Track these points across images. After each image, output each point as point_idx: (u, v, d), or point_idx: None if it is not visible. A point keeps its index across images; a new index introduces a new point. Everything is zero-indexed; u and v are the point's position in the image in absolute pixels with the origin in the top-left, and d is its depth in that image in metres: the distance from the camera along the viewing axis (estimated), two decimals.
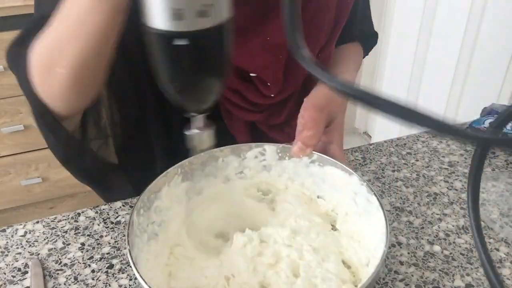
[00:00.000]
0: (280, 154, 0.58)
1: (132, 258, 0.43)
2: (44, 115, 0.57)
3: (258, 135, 0.72)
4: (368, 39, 0.84)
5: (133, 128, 0.70)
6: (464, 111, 1.76)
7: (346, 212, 0.56)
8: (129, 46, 0.57)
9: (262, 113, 0.69)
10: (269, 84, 0.65)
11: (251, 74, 0.63)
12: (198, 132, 0.46)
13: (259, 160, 0.59)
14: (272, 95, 0.66)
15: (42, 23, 0.52)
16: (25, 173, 1.78)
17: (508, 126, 0.75)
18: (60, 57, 0.50)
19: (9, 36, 1.62)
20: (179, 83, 0.40)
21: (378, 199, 0.49)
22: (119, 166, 0.69)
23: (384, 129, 2.24)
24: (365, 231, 0.52)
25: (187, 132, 0.46)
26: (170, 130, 0.69)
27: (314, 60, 0.28)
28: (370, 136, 2.34)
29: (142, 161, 0.71)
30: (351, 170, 0.53)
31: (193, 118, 0.45)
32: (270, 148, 0.57)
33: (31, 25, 0.57)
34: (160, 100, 0.67)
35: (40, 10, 0.59)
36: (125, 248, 0.59)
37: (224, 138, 0.59)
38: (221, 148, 0.57)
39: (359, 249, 0.52)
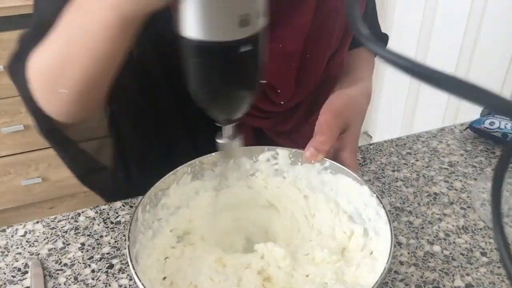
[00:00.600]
0: (292, 159, 0.57)
1: (130, 254, 0.43)
2: (52, 132, 0.57)
3: (265, 142, 0.71)
4: (379, 40, 0.84)
5: (151, 141, 0.70)
6: (464, 111, 1.76)
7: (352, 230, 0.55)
8: (147, 58, 0.57)
9: (270, 119, 0.68)
10: (279, 91, 0.64)
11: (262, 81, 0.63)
12: (228, 142, 0.46)
13: (271, 164, 0.58)
14: (282, 103, 0.65)
15: (40, 35, 0.50)
16: (25, 173, 1.78)
17: (508, 126, 0.75)
18: (62, 78, 0.49)
19: (9, 36, 1.63)
20: (224, 91, 0.40)
21: (386, 213, 0.48)
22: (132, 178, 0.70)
23: (385, 129, 2.24)
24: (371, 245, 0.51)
25: (218, 140, 0.46)
26: (195, 144, 0.69)
27: (372, 36, 0.27)
28: (371, 136, 2.34)
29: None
30: (362, 180, 0.52)
31: (224, 127, 0.45)
32: (282, 152, 0.57)
33: (30, 37, 0.55)
34: (182, 112, 0.67)
35: (38, 16, 0.57)
36: (125, 248, 0.59)
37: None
38: None
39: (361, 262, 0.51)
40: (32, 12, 0.59)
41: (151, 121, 0.68)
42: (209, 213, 0.56)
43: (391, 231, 0.46)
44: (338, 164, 0.54)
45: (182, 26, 0.35)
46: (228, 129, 0.45)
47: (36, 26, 0.56)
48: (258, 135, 0.70)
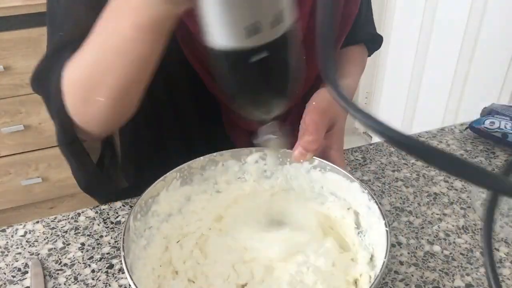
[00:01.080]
0: (281, 159, 0.57)
1: (126, 265, 0.43)
2: (72, 144, 0.57)
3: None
4: (372, 41, 0.83)
5: (150, 148, 0.71)
6: (464, 111, 1.76)
7: (347, 222, 0.55)
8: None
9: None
10: None
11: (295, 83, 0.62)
12: (272, 138, 0.46)
13: (259, 165, 0.58)
14: None
15: (67, 46, 0.51)
16: (25, 173, 1.78)
17: (508, 126, 0.75)
18: (98, 86, 0.49)
19: (9, 36, 1.63)
20: (255, 94, 0.39)
21: (379, 208, 0.48)
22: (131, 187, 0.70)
23: None
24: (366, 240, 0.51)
25: (255, 141, 0.46)
26: (190, 149, 0.69)
27: (347, 98, 0.27)
28: (371, 136, 2.34)
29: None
30: (352, 177, 0.52)
31: (266, 125, 0.45)
32: (271, 153, 0.57)
33: (55, 51, 0.56)
34: (180, 119, 0.67)
35: (59, 31, 0.58)
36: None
37: (224, 146, 0.59)
38: (221, 152, 0.57)
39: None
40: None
41: (149, 126, 0.68)
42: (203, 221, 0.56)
43: (385, 225, 0.46)
44: (326, 162, 0.55)
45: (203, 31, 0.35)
46: (271, 126, 0.45)
47: (60, 43, 0.56)
48: (251, 138, 0.71)
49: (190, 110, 0.69)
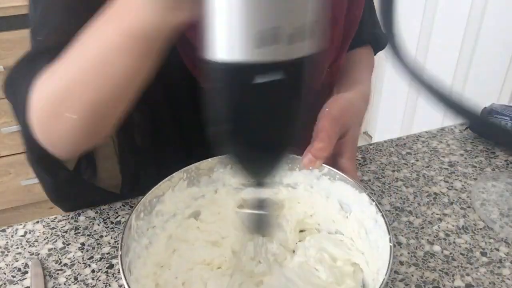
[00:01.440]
0: (290, 165, 0.56)
1: (122, 264, 0.42)
2: (42, 159, 0.53)
3: None
4: (378, 41, 0.82)
5: (147, 151, 0.70)
6: None
7: (351, 236, 0.54)
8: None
9: None
10: None
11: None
12: (254, 212, 0.36)
13: None
14: None
15: (44, 53, 0.47)
16: (25, 173, 1.78)
17: (508, 126, 0.75)
18: (71, 100, 0.44)
19: (9, 36, 1.63)
20: (253, 134, 0.30)
21: (386, 222, 0.47)
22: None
23: (385, 129, 2.24)
24: (369, 254, 0.51)
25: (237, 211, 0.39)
26: (189, 152, 0.69)
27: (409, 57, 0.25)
28: (371, 136, 2.34)
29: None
30: (361, 187, 0.51)
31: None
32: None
33: (30, 56, 0.51)
34: (178, 122, 0.66)
35: (37, 35, 0.53)
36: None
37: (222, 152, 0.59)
38: None
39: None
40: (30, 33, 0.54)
41: (146, 129, 0.68)
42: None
43: (390, 240, 0.45)
44: (336, 171, 0.53)
45: (218, 47, 0.28)
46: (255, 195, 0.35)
47: (38, 47, 0.52)
48: None
49: (188, 113, 0.69)
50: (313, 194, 0.56)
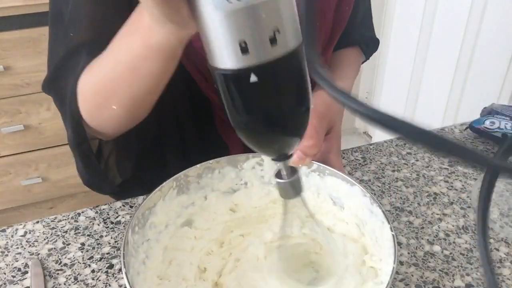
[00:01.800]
0: (278, 164, 0.56)
1: (129, 281, 0.42)
2: (81, 145, 0.58)
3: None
4: (368, 44, 0.83)
5: (148, 145, 0.71)
6: (464, 111, 1.76)
7: (348, 228, 0.54)
8: None
9: None
10: None
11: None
12: (280, 182, 0.41)
13: (256, 171, 0.58)
14: None
15: (82, 48, 0.53)
16: (25, 173, 1.78)
17: (508, 126, 0.75)
18: (112, 96, 0.51)
19: (9, 36, 1.62)
20: (256, 124, 0.35)
21: (383, 211, 0.47)
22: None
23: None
24: (372, 245, 0.51)
25: (277, 179, 0.42)
26: (184, 149, 0.70)
27: (330, 79, 0.27)
28: (371, 136, 2.34)
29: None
30: (352, 181, 0.51)
31: (277, 165, 0.40)
32: (268, 158, 0.56)
33: (69, 53, 0.57)
34: (179, 117, 0.68)
35: (69, 31, 0.58)
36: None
37: (218, 149, 0.59)
38: (218, 159, 0.56)
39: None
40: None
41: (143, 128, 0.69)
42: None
43: (391, 229, 0.45)
44: (325, 166, 0.54)
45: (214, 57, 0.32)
46: (280, 168, 0.40)
47: (75, 43, 0.57)
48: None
49: (184, 112, 0.70)
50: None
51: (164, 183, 0.53)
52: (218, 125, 0.69)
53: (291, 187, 0.41)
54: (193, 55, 0.59)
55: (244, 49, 0.30)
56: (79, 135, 0.57)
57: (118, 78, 0.50)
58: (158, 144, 0.71)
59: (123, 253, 0.44)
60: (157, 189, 0.52)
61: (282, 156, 0.39)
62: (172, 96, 0.65)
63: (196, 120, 0.70)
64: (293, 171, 0.41)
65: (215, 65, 0.32)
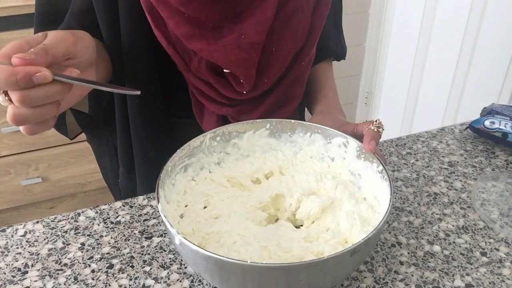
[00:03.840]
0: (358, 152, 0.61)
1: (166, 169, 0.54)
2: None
3: None
4: (341, 51, 0.87)
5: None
6: (464, 111, 1.76)
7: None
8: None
9: (234, 107, 0.69)
10: (242, 80, 0.65)
11: (225, 70, 0.64)
12: None
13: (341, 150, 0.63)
14: (245, 92, 0.67)
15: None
16: (25, 173, 1.78)
17: (508, 126, 0.75)
18: None
19: (10, 36, 1.62)
20: None
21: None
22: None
23: (385, 129, 2.24)
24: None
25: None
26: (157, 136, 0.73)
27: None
28: None
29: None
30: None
31: None
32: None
33: None
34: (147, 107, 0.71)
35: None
36: (124, 248, 0.59)
37: (192, 132, 0.61)
38: (316, 125, 0.62)
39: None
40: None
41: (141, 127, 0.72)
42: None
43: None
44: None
45: None
46: None
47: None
48: (221, 124, 0.72)
49: (158, 97, 0.72)
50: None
51: (258, 120, 0.62)
52: (195, 111, 0.71)
53: None
54: (174, 39, 0.63)
55: None
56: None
57: None
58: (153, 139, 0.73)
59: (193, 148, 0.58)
60: (249, 121, 0.62)
61: None
62: (147, 83, 0.68)
63: (169, 106, 0.73)
64: None
65: None
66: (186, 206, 0.57)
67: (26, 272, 0.56)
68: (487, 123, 0.77)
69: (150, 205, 0.66)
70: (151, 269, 0.56)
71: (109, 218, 0.64)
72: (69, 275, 0.55)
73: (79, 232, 0.61)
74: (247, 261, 0.41)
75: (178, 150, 0.56)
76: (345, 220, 0.53)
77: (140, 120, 0.70)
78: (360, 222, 0.52)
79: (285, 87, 0.70)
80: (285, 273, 0.42)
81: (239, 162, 0.63)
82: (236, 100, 0.68)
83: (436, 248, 0.59)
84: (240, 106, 0.69)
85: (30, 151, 1.75)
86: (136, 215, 0.64)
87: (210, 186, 0.60)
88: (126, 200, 0.67)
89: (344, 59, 0.87)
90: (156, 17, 0.62)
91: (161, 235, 0.61)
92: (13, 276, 0.55)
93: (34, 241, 0.60)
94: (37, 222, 0.63)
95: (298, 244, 0.51)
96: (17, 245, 0.60)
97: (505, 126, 0.75)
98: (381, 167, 0.55)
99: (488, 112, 0.79)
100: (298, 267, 0.42)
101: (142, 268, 0.56)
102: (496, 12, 1.55)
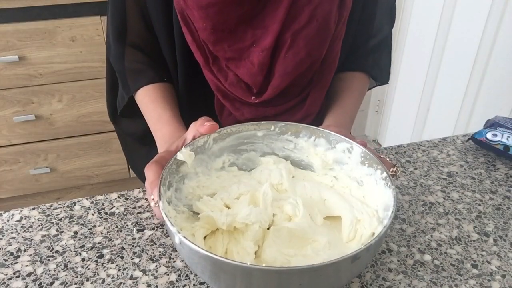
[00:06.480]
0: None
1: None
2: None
3: None
4: (381, 75, 0.82)
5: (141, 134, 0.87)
6: (476, 122, 1.74)
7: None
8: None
9: (257, 108, 0.70)
10: (250, 85, 0.67)
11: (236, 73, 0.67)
12: None
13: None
14: (253, 97, 0.68)
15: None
16: (34, 162, 1.81)
17: (511, 139, 0.74)
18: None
19: (25, 27, 1.63)
20: None
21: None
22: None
23: (394, 137, 2.23)
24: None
25: None
26: None
27: None
28: (380, 144, 2.33)
29: None
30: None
31: None
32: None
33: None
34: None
35: None
36: (116, 239, 0.59)
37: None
38: (326, 129, 0.62)
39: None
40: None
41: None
42: None
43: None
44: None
45: None
46: None
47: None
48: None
49: (182, 98, 0.75)
50: None
51: (263, 122, 0.61)
52: (218, 113, 0.73)
53: None
54: (196, 34, 0.66)
55: None
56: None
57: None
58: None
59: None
60: (254, 123, 0.61)
61: None
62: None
63: (193, 108, 0.75)
64: None
65: None
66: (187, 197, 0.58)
67: (18, 257, 0.57)
68: (489, 135, 0.76)
69: (145, 198, 0.66)
70: (140, 261, 0.56)
71: (103, 208, 0.64)
72: (60, 262, 0.56)
73: (73, 221, 0.62)
74: (246, 263, 0.41)
75: (183, 148, 0.56)
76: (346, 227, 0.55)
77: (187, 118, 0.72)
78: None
79: (307, 88, 0.71)
80: (287, 277, 0.42)
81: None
82: (252, 104, 0.70)
83: (427, 257, 0.58)
84: (259, 110, 0.71)
85: (40, 141, 1.78)
86: (130, 207, 0.65)
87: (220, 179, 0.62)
88: (122, 192, 0.67)
89: (384, 83, 0.83)
90: (186, 20, 0.65)
91: (153, 228, 0.61)
92: (5, 260, 0.56)
93: (29, 227, 0.61)
94: (33, 208, 0.64)
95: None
96: (12, 229, 0.61)
97: (507, 139, 0.74)
98: (385, 174, 0.55)
99: (491, 124, 0.78)
100: (301, 271, 0.42)
101: (132, 259, 0.56)
102: (511, 24, 1.53)
